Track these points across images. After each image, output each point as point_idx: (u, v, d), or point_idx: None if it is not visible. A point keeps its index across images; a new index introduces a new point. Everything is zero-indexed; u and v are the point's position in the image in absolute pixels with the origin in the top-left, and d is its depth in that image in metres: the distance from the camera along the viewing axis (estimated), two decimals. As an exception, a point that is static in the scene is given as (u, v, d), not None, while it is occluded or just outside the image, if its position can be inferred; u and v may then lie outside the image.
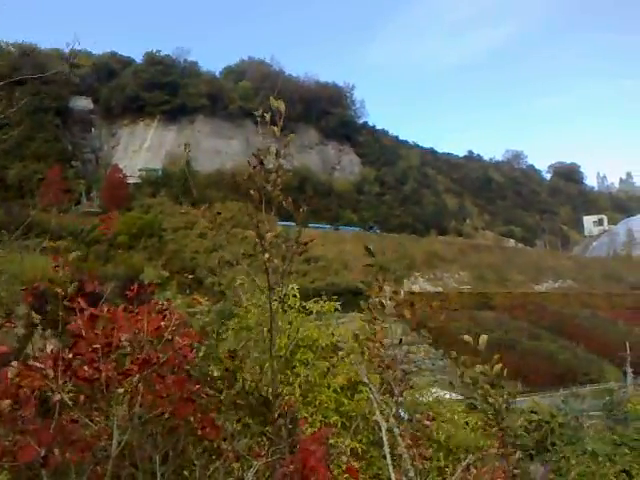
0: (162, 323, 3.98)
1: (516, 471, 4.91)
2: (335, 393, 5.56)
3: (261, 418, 4.59)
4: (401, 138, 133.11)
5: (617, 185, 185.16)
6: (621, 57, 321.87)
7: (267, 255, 3.38)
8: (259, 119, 3.60)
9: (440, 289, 65.77)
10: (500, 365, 3.90)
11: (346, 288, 39.82)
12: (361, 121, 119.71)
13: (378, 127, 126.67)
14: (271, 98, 3.57)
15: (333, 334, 5.99)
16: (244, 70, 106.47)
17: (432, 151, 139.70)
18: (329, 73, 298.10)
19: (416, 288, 64.62)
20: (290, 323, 5.91)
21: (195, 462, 3.62)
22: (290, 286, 5.27)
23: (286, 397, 5.11)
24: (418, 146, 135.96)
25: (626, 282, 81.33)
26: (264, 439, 4.31)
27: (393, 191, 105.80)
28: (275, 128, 3.60)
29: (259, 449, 3.99)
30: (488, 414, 4.01)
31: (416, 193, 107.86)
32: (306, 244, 3.57)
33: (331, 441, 3.98)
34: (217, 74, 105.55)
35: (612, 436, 16.24)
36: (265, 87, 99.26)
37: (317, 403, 5.39)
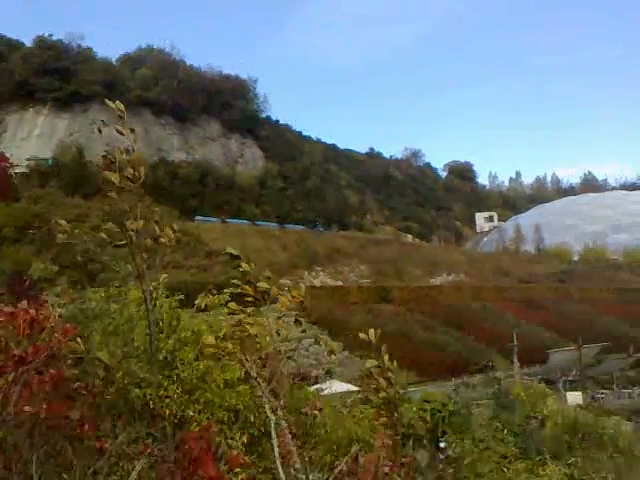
0: (38, 317, 3.77)
1: (404, 459, 5.06)
2: (219, 389, 5.49)
3: (146, 419, 4.47)
4: (304, 133, 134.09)
5: (507, 184, 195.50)
6: (514, 60, 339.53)
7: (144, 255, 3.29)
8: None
9: (340, 283, 66.88)
10: (387, 357, 4.02)
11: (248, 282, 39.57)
12: (264, 115, 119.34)
13: (282, 122, 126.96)
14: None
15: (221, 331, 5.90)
16: (143, 58, 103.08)
17: (335, 147, 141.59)
18: (232, 65, 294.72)
19: (317, 282, 65.38)
20: (177, 319, 5.79)
21: (74, 462, 3.47)
22: (161, 279, 5.11)
23: (168, 399, 5.02)
24: (321, 142, 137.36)
25: (514, 276, 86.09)
26: (150, 439, 4.20)
27: (296, 186, 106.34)
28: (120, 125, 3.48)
29: (144, 448, 3.89)
30: (380, 405, 4.11)
31: (319, 188, 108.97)
32: (174, 231, 3.49)
33: (217, 438, 3.93)
34: (114, 61, 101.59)
35: (497, 423, 17.15)
36: (165, 76, 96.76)
37: (202, 401, 5.30)
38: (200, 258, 56.26)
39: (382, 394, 4.04)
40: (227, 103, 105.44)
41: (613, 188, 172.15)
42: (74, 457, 3.53)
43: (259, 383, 3.94)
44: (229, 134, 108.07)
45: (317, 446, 6.47)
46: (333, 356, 37.97)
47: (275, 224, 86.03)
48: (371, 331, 4.17)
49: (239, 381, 5.62)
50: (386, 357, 4.16)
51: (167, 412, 4.25)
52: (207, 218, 79.18)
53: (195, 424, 4.51)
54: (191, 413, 4.76)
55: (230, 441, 4.88)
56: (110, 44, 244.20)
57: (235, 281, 3.69)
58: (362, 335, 4.07)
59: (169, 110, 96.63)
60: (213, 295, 5.80)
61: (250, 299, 3.78)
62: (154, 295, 4.64)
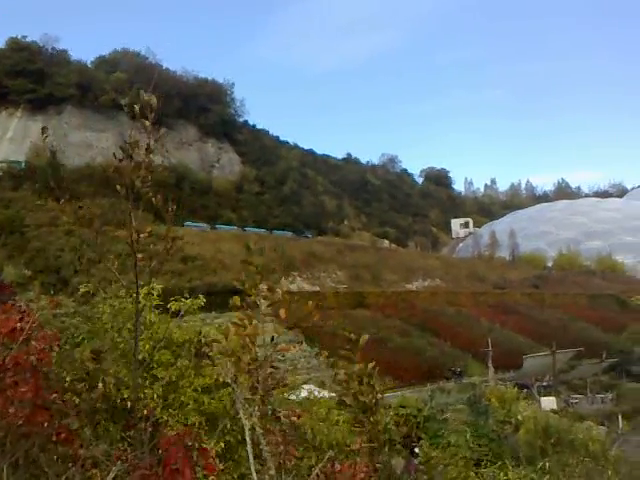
0: (18, 325, 3.74)
1: (378, 465, 5.07)
2: (196, 393, 5.47)
3: (122, 423, 4.43)
4: (282, 138, 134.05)
5: (482, 190, 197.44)
6: (489, 68, 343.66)
7: (140, 255, 3.28)
8: (127, 110, 3.45)
9: (317, 288, 66.86)
10: (372, 364, 4.04)
11: (224, 287, 39.42)
12: (241, 120, 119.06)
13: (259, 126, 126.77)
14: (141, 91, 3.43)
15: (200, 332, 5.89)
16: (118, 61, 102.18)
17: (312, 152, 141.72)
18: (209, 70, 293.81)
19: (294, 287, 65.28)
20: (152, 323, 5.76)
21: (46, 470, 3.43)
22: (152, 285, 5.11)
23: (145, 400, 4.97)
24: (298, 147, 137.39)
25: (489, 281, 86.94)
26: (125, 444, 4.17)
27: (273, 191, 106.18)
28: (146, 122, 3.46)
29: (119, 454, 3.86)
30: (356, 411, 4.12)
31: (295, 193, 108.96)
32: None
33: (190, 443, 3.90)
34: (88, 64, 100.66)
35: (472, 428, 17.29)
36: (140, 80, 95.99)
37: (178, 405, 5.28)
38: (175, 263, 55.80)
39: (362, 399, 4.06)
40: (203, 107, 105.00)
41: (586, 195, 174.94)
42: (46, 465, 3.49)
43: (234, 389, 3.94)
44: (205, 138, 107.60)
45: (294, 452, 6.46)
46: (312, 361, 37.96)
47: (264, 230, 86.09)
48: (363, 336, 4.19)
49: (218, 387, 5.61)
50: (371, 365, 4.18)
51: (144, 415, 4.22)
52: (197, 224, 79.37)
53: (169, 428, 4.49)
54: (165, 417, 4.73)
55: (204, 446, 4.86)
56: (85, 47, 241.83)
57: (237, 284, 3.68)
58: (346, 332, 4.08)
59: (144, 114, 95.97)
60: (186, 299, 5.78)
61: (241, 304, 3.78)
62: (144, 300, 4.62)
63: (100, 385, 3.98)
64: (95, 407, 4.19)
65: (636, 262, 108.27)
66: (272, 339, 3.85)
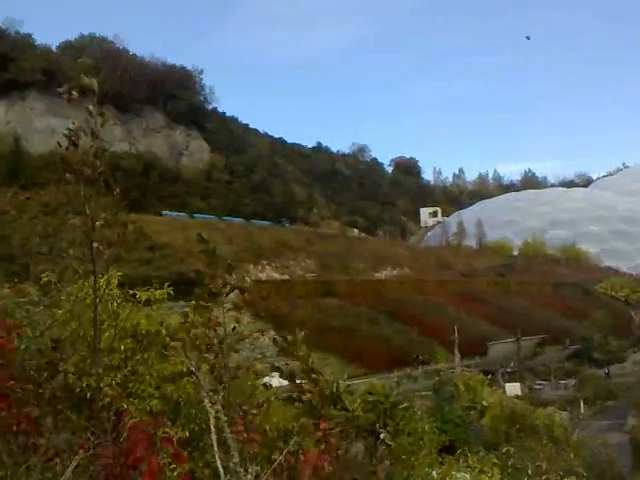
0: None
1: (340, 452, 5.13)
2: (159, 381, 5.47)
3: (85, 412, 4.40)
4: (252, 126, 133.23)
5: (451, 179, 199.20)
6: (457, 58, 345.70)
7: (95, 243, 3.24)
8: (65, 96, 3.39)
9: (287, 277, 66.87)
10: (312, 357, 4.08)
11: (192, 276, 39.17)
12: (211, 107, 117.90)
13: (228, 114, 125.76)
14: (81, 75, 3.36)
15: (162, 322, 5.87)
16: (84, 46, 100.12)
17: (282, 141, 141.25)
18: (178, 56, 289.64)
19: (263, 276, 65.21)
20: (116, 312, 5.71)
21: (6, 459, 3.39)
22: (112, 273, 5.07)
23: (106, 389, 4.95)
24: (268, 135, 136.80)
25: (456, 270, 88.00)
26: (87, 433, 4.14)
27: (243, 179, 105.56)
28: (91, 106, 3.40)
29: (82, 443, 3.84)
30: (310, 401, 4.16)
31: (266, 182, 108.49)
32: (126, 225, 3.46)
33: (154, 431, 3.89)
34: (54, 49, 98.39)
35: (438, 414, 17.56)
36: (107, 66, 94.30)
37: (139, 393, 5.27)
38: (143, 251, 55.18)
39: (307, 396, 4.10)
40: (172, 94, 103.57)
41: (552, 185, 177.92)
42: (6, 454, 3.45)
43: (197, 377, 3.95)
44: (174, 126, 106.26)
45: (258, 440, 6.49)
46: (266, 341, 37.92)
47: (241, 219, 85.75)
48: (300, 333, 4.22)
49: (183, 375, 5.60)
50: (310, 359, 4.21)
51: (106, 403, 4.20)
52: (176, 213, 78.88)
53: (130, 417, 4.47)
54: (125, 406, 4.71)
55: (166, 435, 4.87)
56: (51, 31, 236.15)
57: (200, 272, 3.67)
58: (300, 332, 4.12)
59: (111, 100, 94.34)
60: (156, 289, 5.76)
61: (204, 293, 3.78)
62: (102, 288, 4.58)
63: (60, 374, 3.95)
64: (55, 395, 4.15)
65: (600, 251, 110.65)
66: (233, 328, 3.87)
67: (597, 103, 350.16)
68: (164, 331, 5.09)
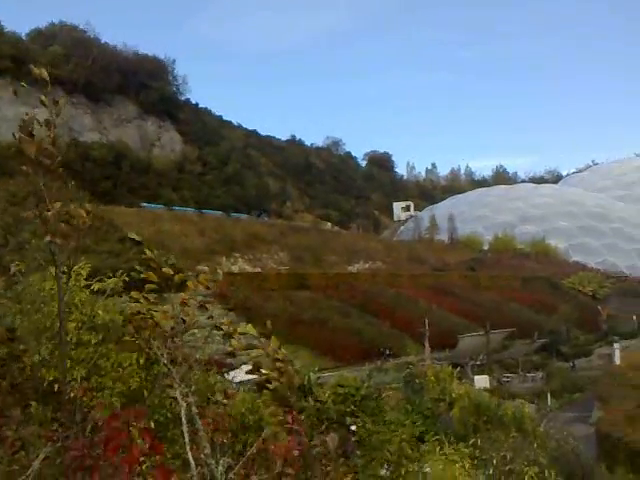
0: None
1: (312, 442, 5.19)
2: (121, 370, 5.44)
3: (52, 404, 4.37)
4: (225, 118, 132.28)
5: (424, 174, 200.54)
6: (431, 52, 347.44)
7: (49, 236, 3.21)
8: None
9: (259, 270, 66.72)
10: (277, 345, 4.11)
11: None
12: (183, 98, 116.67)
13: (202, 105, 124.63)
14: (30, 65, 3.33)
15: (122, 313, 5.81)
16: (54, 34, 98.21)
17: (256, 133, 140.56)
18: (151, 46, 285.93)
19: (236, 269, 64.97)
20: (81, 303, 5.67)
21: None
22: (79, 264, 5.03)
23: (72, 382, 4.92)
24: (242, 127, 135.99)
25: (428, 264, 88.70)
26: (56, 425, 4.11)
27: (215, 171, 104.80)
28: (43, 97, 3.36)
29: (50, 435, 3.81)
30: (277, 391, 4.20)
31: (239, 174, 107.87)
32: (89, 213, 3.44)
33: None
34: (23, 36, 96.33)
35: (407, 405, 17.74)
36: (78, 54, 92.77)
37: (98, 383, 5.25)
38: (112, 243, 54.49)
39: (274, 384, 4.13)
40: (144, 84, 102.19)
41: (523, 181, 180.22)
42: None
43: (169, 369, 3.95)
44: (145, 116, 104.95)
45: (229, 432, 6.51)
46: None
47: (220, 212, 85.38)
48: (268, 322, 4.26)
49: (146, 366, 5.57)
50: (274, 345, 4.24)
51: (71, 397, 4.17)
52: (155, 205, 78.24)
53: (100, 408, 4.45)
54: (91, 399, 4.69)
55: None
56: (20, 19, 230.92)
57: (139, 267, 3.67)
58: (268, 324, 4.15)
59: (82, 89, 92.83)
60: (109, 278, 5.70)
61: (153, 286, 3.77)
62: (66, 279, 4.53)
63: (23, 365, 3.91)
64: (15, 385, 4.12)
65: (568, 246, 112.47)
66: (183, 321, 3.87)
67: (567, 100, 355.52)
68: (122, 321, 5.04)
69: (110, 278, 5.63)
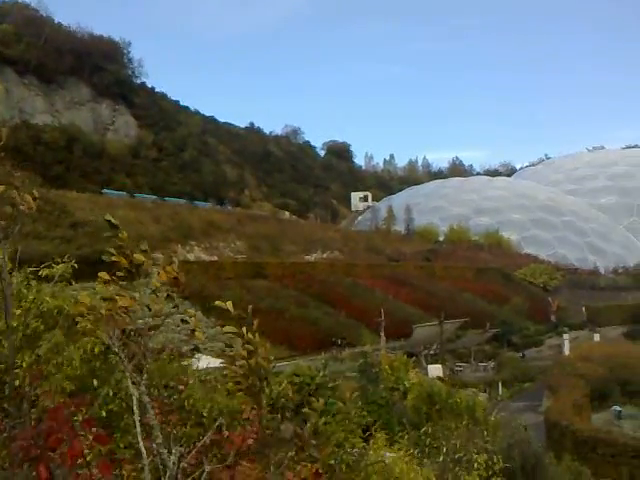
0: None
1: (268, 431, 5.15)
2: (70, 363, 5.30)
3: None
4: (182, 103, 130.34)
5: (382, 165, 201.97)
6: (389, 43, 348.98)
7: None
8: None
9: (216, 258, 66.13)
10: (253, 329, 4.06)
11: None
12: (139, 81, 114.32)
13: (158, 89, 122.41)
14: None
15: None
16: (5, 12, 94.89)
17: (214, 119, 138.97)
18: (106, 27, 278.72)
19: (192, 257, 64.25)
20: (25, 291, 5.48)
21: None
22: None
23: (18, 371, 4.77)
24: (199, 113, 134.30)
25: (385, 254, 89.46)
26: (1, 414, 3.99)
27: (171, 157, 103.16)
28: None
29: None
30: (239, 376, 4.15)
31: (196, 161, 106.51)
32: (35, 199, 3.30)
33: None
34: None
35: (362, 395, 17.88)
36: (29, 33, 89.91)
37: (53, 375, 5.10)
38: (64, 229, 53.20)
39: (241, 362, 4.09)
40: (98, 66, 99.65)
41: (478, 173, 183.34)
42: None
43: (121, 358, 3.84)
44: (99, 99, 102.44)
45: (184, 421, 6.42)
46: (198, 333, 37.58)
47: (184, 200, 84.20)
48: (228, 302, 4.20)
49: (95, 356, 5.44)
50: (246, 328, 4.19)
51: (17, 386, 4.03)
52: (116, 192, 76.60)
53: (46, 398, 4.32)
54: (27, 389, 4.56)
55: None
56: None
57: (111, 250, 3.54)
58: (218, 303, 4.08)
59: (33, 70, 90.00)
60: (57, 264, 5.51)
61: (122, 273, 3.66)
62: (9, 266, 4.35)
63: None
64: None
65: (520, 238, 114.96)
66: (149, 308, 3.78)
67: (522, 95, 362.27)
68: (71, 310, 4.88)
69: (58, 264, 5.45)
